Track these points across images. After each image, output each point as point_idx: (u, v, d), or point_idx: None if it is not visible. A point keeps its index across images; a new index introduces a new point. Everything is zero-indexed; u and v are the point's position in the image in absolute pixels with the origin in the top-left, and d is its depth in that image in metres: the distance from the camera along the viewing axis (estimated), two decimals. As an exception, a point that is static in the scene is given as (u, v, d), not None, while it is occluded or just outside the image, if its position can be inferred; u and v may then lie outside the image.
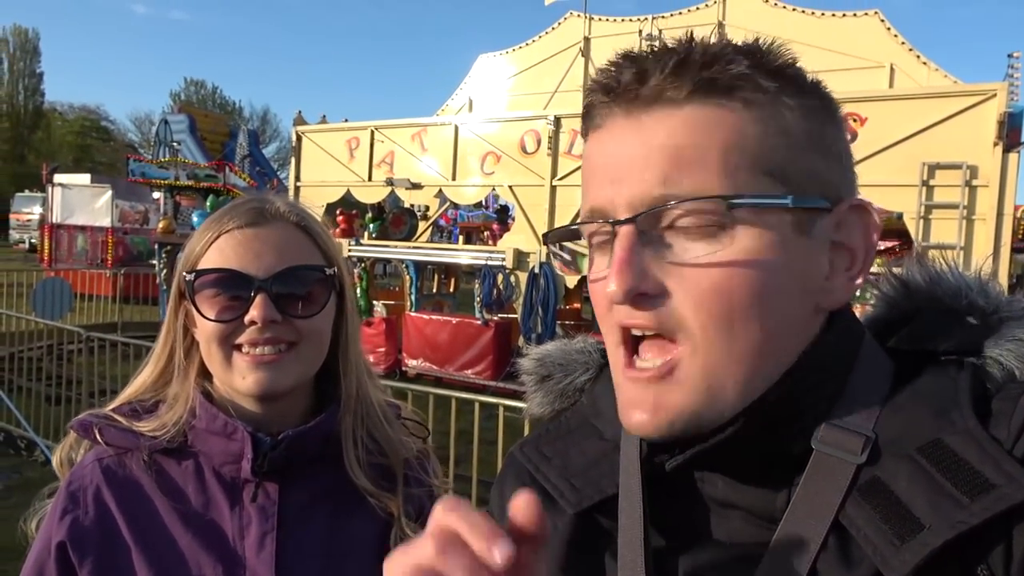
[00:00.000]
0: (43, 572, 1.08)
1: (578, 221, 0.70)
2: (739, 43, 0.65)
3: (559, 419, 0.84)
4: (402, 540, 1.14)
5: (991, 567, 0.56)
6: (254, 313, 1.07)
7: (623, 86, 0.64)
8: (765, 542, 0.63)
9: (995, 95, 7.43)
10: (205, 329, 1.10)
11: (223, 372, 1.10)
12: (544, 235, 0.74)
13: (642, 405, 0.64)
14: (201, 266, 1.11)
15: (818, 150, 0.65)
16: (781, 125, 0.63)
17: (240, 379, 1.09)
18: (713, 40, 0.65)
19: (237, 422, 1.10)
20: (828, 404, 0.65)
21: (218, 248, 1.10)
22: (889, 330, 0.73)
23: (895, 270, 0.76)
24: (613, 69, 0.66)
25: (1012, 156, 7.42)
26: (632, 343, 0.66)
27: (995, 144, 7.34)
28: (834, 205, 0.65)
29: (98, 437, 1.12)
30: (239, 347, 1.09)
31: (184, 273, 1.11)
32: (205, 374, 1.16)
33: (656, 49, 0.65)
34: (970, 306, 0.70)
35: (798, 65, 0.66)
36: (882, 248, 11.05)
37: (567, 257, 0.76)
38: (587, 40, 12.88)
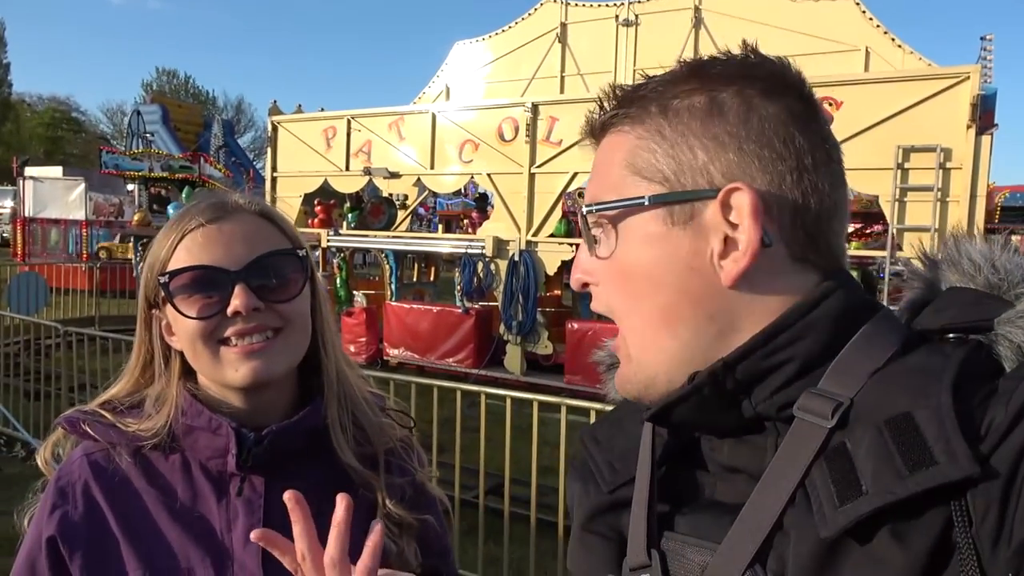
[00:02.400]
0: (35, 566, 1.09)
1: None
2: (653, 75, 0.78)
3: (619, 405, 0.93)
4: (387, 526, 1.15)
5: (977, 538, 0.58)
6: (236, 303, 1.06)
7: (590, 121, 0.82)
8: None
9: (968, 77, 7.51)
10: (188, 329, 1.09)
11: (212, 368, 1.10)
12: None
13: (618, 378, 0.80)
14: (171, 268, 1.09)
15: (699, 144, 0.71)
16: (657, 130, 0.73)
17: (232, 372, 1.08)
18: (625, 84, 0.79)
19: (221, 419, 1.10)
20: (803, 369, 0.69)
21: (185, 248, 1.09)
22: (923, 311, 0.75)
23: (929, 252, 0.79)
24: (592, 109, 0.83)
25: (985, 138, 7.52)
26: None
27: (968, 126, 7.43)
28: (719, 191, 0.70)
29: (88, 432, 1.12)
30: (226, 341, 1.08)
31: (158, 277, 1.10)
32: (187, 375, 1.16)
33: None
34: (986, 282, 0.72)
35: (715, 60, 0.74)
36: (852, 230, 11.17)
37: None
38: (564, 26, 12.81)
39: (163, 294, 1.10)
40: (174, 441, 1.13)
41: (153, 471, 1.12)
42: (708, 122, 0.71)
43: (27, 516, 1.15)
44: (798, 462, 0.66)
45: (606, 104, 0.78)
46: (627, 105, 0.76)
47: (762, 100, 0.71)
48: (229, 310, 1.07)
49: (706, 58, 0.74)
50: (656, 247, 0.72)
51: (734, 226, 0.69)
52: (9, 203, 29.65)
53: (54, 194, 21.76)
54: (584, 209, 0.77)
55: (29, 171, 22.48)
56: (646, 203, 0.72)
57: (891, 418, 0.62)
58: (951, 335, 0.70)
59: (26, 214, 21.64)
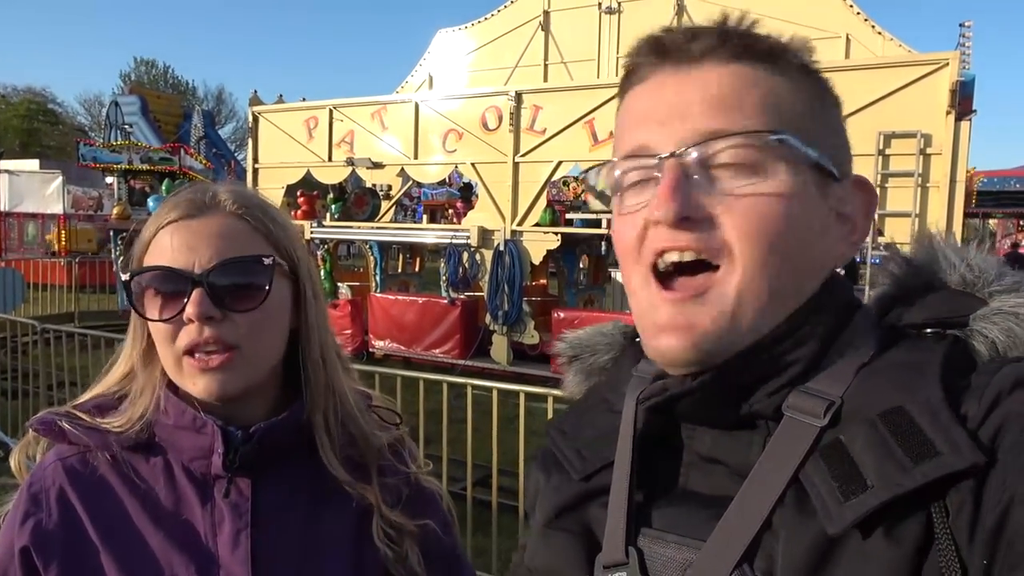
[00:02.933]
0: None
1: (620, 158, 0.74)
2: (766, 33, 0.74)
3: (582, 398, 0.92)
4: (384, 531, 1.13)
5: (953, 529, 0.59)
6: (190, 310, 1.02)
7: (675, 45, 0.72)
8: None
9: (947, 64, 7.56)
10: (155, 330, 1.06)
11: (176, 375, 1.07)
12: (586, 171, 0.80)
13: (674, 326, 0.69)
14: (146, 263, 1.07)
15: (831, 127, 0.74)
16: (807, 95, 0.72)
17: (191, 384, 1.05)
18: (741, 17, 0.74)
19: (207, 417, 1.06)
20: (805, 369, 0.70)
21: (157, 244, 1.06)
22: (895, 308, 0.77)
23: (902, 250, 0.81)
24: (662, 36, 0.73)
25: (964, 124, 7.58)
26: (665, 276, 0.71)
27: (948, 112, 7.49)
28: (842, 178, 0.73)
29: (62, 432, 1.08)
30: (188, 352, 1.04)
31: (125, 273, 1.07)
32: None
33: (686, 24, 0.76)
34: (962, 280, 0.74)
35: (814, 55, 0.74)
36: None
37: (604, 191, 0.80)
38: (547, 14, 12.76)
39: (132, 291, 1.07)
40: (155, 442, 1.09)
41: (133, 474, 1.08)
42: (834, 110, 0.75)
43: None
44: (788, 460, 0.66)
45: (733, 31, 0.71)
46: (766, 46, 0.71)
47: (840, 105, 0.77)
48: (184, 315, 1.03)
49: (810, 46, 0.74)
50: (810, 208, 0.70)
51: (840, 214, 0.73)
52: (-15, 197, 29.18)
53: (31, 188, 21.47)
54: (742, 134, 0.67)
55: (4, 164, 22.17)
56: (818, 161, 0.70)
57: (884, 412, 0.63)
58: (929, 330, 0.72)
59: (2, 208, 21.32)
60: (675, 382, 0.72)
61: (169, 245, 1.05)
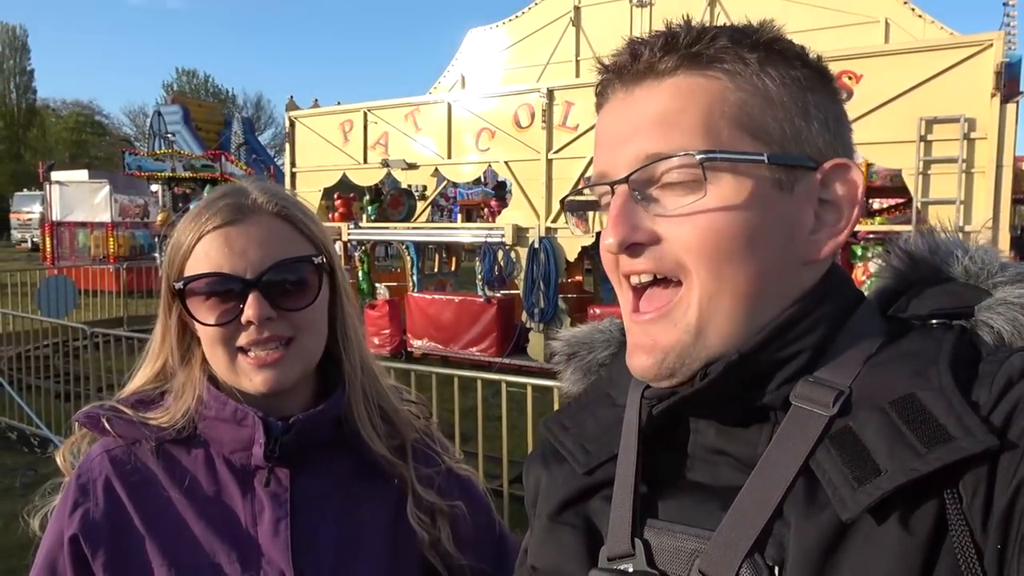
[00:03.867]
0: (55, 566, 1.08)
1: (585, 186, 0.79)
2: (725, 24, 0.73)
3: (582, 393, 0.92)
4: (418, 514, 1.16)
5: (967, 514, 0.59)
6: (249, 313, 1.06)
7: (620, 64, 0.73)
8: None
9: (991, 45, 7.32)
10: (205, 334, 1.10)
11: (229, 374, 1.11)
12: (562, 200, 0.87)
13: (643, 346, 0.72)
14: (188, 271, 1.10)
15: (801, 115, 0.71)
16: (762, 92, 0.69)
17: (247, 381, 1.09)
18: (703, 22, 0.73)
19: (247, 408, 1.10)
20: (811, 360, 0.70)
21: (202, 250, 1.09)
22: (896, 300, 0.77)
23: (902, 242, 0.80)
24: (615, 53, 0.75)
25: (1010, 107, 7.32)
26: (638, 293, 0.74)
27: (993, 95, 7.25)
28: (819, 165, 0.71)
29: (107, 427, 1.12)
30: (242, 349, 1.09)
31: (173, 283, 1.11)
32: (208, 363, 1.16)
33: (687, 21, 0.73)
34: (965, 272, 0.74)
35: (782, 39, 0.72)
36: (885, 206, 10.97)
37: (580, 215, 0.83)
38: (577, 10, 12.70)
39: (179, 299, 1.11)
40: (196, 435, 1.13)
41: (175, 466, 1.12)
42: (809, 95, 0.72)
43: (38, 518, 1.15)
44: (798, 449, 0.66)
45: (678, 39, 0.70)
46: (712, 50, 0.70)
47: (829, 86, 0.75)
48: (243, 319, 1.07)
49: (777, 32, 0.72)
50: (763, 209, 0.68)
51: (824, 202, 0.71)
52: (38, 208, 30.16)
53: (80, 197, 22.08)
54: (677, 156, 0.68)
55: (55, 175, 22.81)
56: (765, 161, 0.68)
57: (895, 400, 0.64)
58: (935, 321, 0.72)
59: (53, 218, 22.00)
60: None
61: (218, 251, 1.08)
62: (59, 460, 1.19)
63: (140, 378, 1.19)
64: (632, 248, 0.70)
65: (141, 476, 1.11)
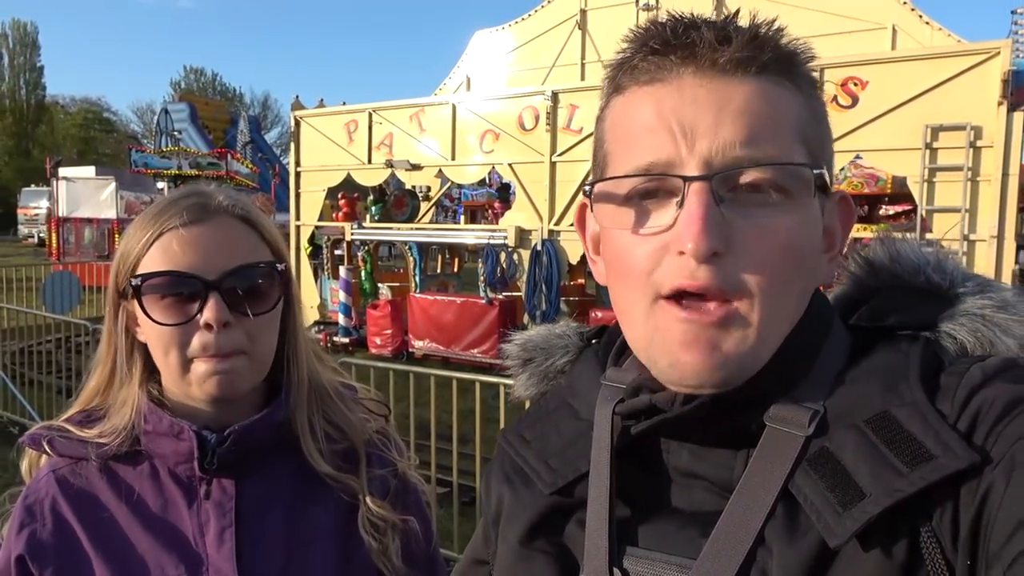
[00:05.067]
0: None
1: (632, 173, 0.67)
2: (779, 30, 0.68)
3: (539, 402, 0.87)
4: (370, 522, 1.14)
5: (936, 531, 0.59)
6: (208, 315, 1.04)
7: (705, 47, 0.65)
8: (722, 511, 0.66)
9: (999, 53, 7.30)
10: (156, 334, 1.07)
11: (179, 379, 1.08)
12: (588, 186, 0.73)
13: (697, 345, 0.64)
14: (144, 267, 1.07)
15: (828, 135, 0.71)
16: (814, 110, 0.69)
17: (197, 388, 1.07)
18: (768, 20, 0.68)
19: (183, 422, 1.08)
20: (797, 383, 0.68)
21: (162, 247, 1.06)
22: (855, 308, 0.76)
23: (861, 250, 0.79)
24: (679, 28, 0.67)
25: (1017, 115, 7.31)
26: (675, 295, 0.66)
27: (999, 103, 7.23)
28: (832, 191, 0.70)
29: (47, 450, 1.12)
30: (193, 356, 1.06)
31: (129, 278, 1.08)
32: (150, 373, 1.14)
33: (706, 18, 0.68)
34: (928, 282, 0.73)
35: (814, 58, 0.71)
36: (891, 213, 10.93)
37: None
38: (583, 13, 12.72)
39: (133, 295, 1.08)
40: (140, 449, 1.12)
41: (121, 482, 1.11)
42: (825, 113, 0.71)
43: (5, 526, 1.14)
44: (776, 473, 0.64)
45: (765, 39, 0.66)
46: (790, 60, 0.68)
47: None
48: (201, 320, 1.04)
49: (800, 45, 0.69)
50: (816, 230, 0.68)
51: (825, 228, 0.70)
52: (44, 204, 30.29)
53: (86, 194, 22.19)
54: (765, 166, 0.63)
55: (62, 171, 22.92)
56: (829, 183, 0.67)
57: (870, 418, 0.63)
58: (900, 332, 0.71)
59: (60, 214, 22.09)
60: (664, 401, 0.68)
61: (179, 249, 1.05)
62: (23, 470, 1.19)
63: (86, 393, 1.17)
64: (708, 257, 0.63)
65: (87, 494, 1.10)
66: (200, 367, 1.06)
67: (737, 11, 0.69)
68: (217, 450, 1.08)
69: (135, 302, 1.08)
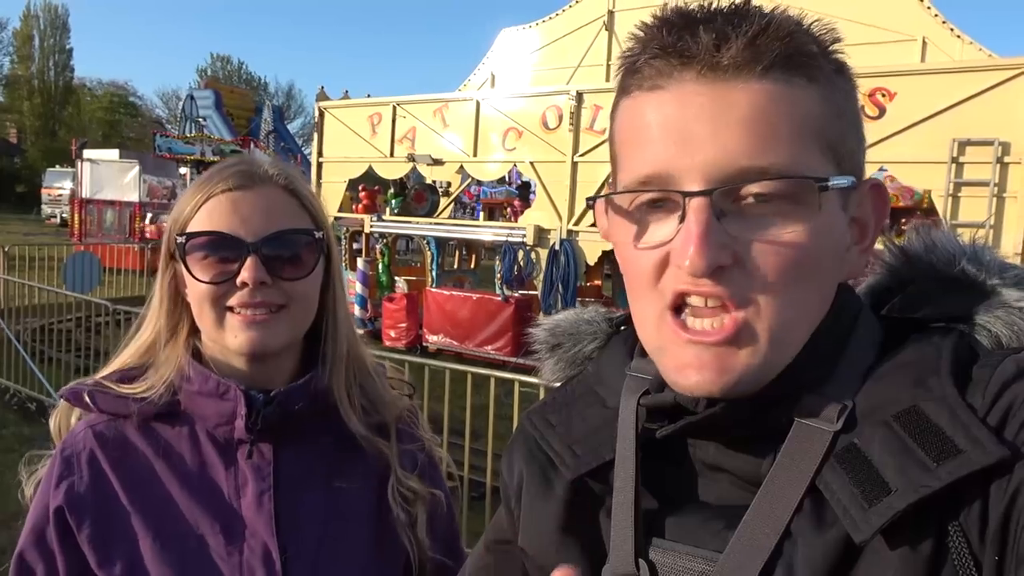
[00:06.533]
0: (42, 537, 1.10)
1: (633, 185, 0.67)
2: (793, 17, 0.65)
3: (566, 387, 0.86)
4: (400, 493, 1.17)
5: (964, 527, 0.58)
6: (245, 275, 1.08)
7: (702, 50, 0.62)
8: (748, 505, 0.66)
9: (1030, 69, 7.21)
10: (197, 290, 1.11)
11: (215, 331, 1.12)
12: (590, 199, 0.74)
13: (704, 366, 0.64)
14: (191, 229, 1.12)
15: (854, 129, 0.68)
16: (836, 104, 0.65)
17: (232, 338, 1.10)
18: (778, 11, 0.65)
19: (230, 381, 1.11)
20: (826, 378, 0.67)
21: (207, 211, 1.11)
22: (888, 297, 0.75)
23: (896, 240, 0.77)
24: (677, 29, 0.64)
25: (1046, 132, 7.22)
26: (678, 306, 0.66)
27: (1029, 120, 7.14)
28: (858, 181, 0.68)
29: (88, 402, 1.14)
30: (231, 308, 1.10)
31: (175, 236, 1.12)
32: (195, 336, 1.18)
33: (715, 10, 0.64)
34: (963, 273, 0.72)
35: (841, 46, 0.68)
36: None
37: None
38: (611, 14, 12.67)
39: (178, 253, 1.12)
40: (179, 411, 1.14)
41: (160, 440, 1.14)
42: (855, 107, 0.69)
43: (32, 487, 1.16)
44: (804, 467, 0.64)
45: (771, 34, 0.62)
46: (801, 53, 0.63)
47: (857, 92, 0.71)
48: (238, 280, 1.09)
49: (818, 29, 0.66)
50: (833, 231, 0.65)
51: (853, 219, 0.69)
52: (68, 184, 30.61)
53: (110, 176, 22.41)
54: (771, 179, 0.61)
55: (87, 153, 23.18)
56: (850, 186, 0.65)
57: (899, 413, 0.62)
58: (933, 323, 0.70)
59: (83, 195, 22.33)
60: (688, 400, 0.68)
61: (222, 213, 1.10)
62: (52, 428, 1.21)
63: (129, 351, 1.20)
64: (714, 271, 0.62)
65: (125, 449, 1.13)
66: (235, 319, 1.10)
67: (747, 1, 0.65)
68: (263, 411, 1.11)
69: (181, 261, 1.12)
